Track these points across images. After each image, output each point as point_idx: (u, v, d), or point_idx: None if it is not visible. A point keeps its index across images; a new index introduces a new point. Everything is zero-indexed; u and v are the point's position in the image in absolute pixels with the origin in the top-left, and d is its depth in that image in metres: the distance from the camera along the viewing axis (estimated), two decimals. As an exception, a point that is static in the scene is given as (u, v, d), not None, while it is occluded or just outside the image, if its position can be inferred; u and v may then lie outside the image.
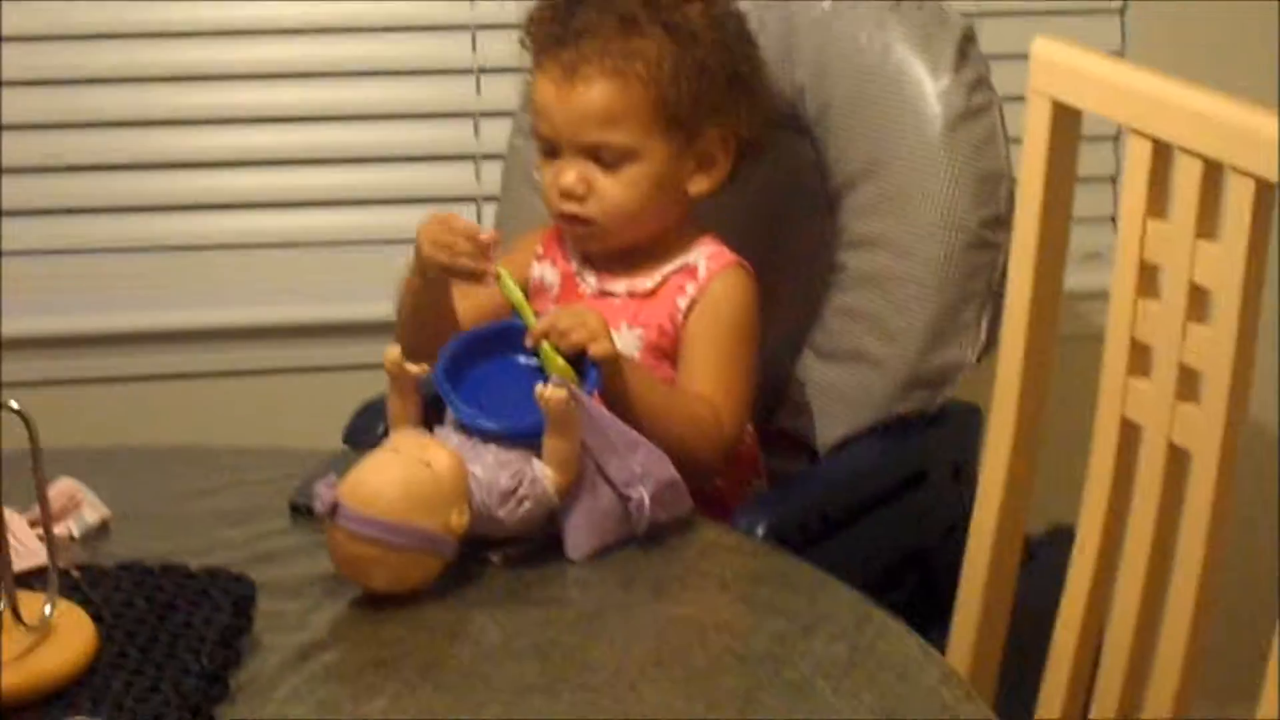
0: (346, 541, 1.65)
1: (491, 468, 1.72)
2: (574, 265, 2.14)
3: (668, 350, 2.07)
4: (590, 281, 2.12)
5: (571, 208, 2.06)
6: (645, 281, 2.09)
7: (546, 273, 2.15)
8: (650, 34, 2.05)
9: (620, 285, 2.10)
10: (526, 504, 1.72)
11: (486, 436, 1.76)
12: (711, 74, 2.06)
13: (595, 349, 1.85)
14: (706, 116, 2.07)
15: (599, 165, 2.05)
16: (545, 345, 1.84)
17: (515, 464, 1.73)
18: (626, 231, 2.08)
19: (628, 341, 2.05)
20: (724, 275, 2.08)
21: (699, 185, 2.10)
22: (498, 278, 1.90)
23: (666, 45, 2.05)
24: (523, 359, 1.86)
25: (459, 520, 1.67)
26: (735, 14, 2.15)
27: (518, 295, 1.89)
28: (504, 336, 1.88)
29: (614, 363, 1.88)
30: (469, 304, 2.05)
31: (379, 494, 1.64)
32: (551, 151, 2.07)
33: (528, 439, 1.75)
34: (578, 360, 1.84)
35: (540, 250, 2.17)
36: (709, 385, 2.03)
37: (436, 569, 1.67)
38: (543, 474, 1.73)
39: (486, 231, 1.94)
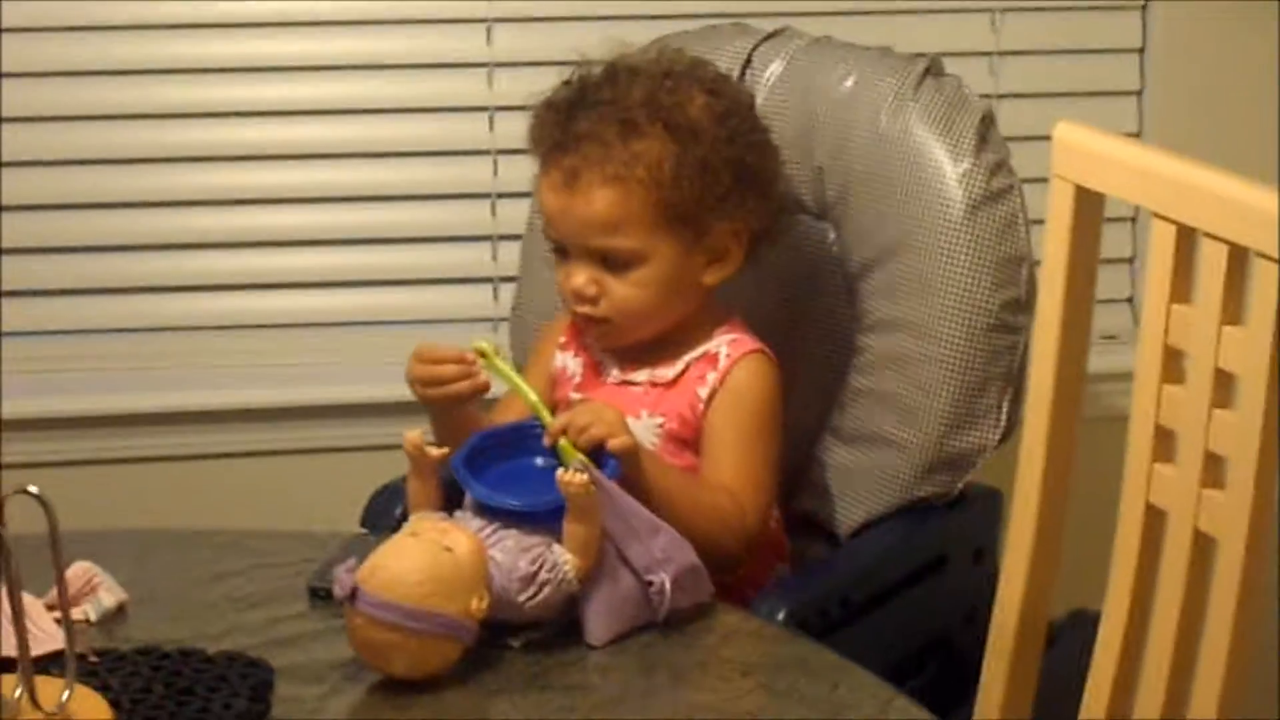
0: (366, 626, 1.63)
1: (512, 552, 1.71)
2: (596, 354, 2.13)
3: (688, 439, 2.06)
4: (612, 371, 2.11)
5: (585, 309, 2.06)
6: (667, 371, 2.09)
7: (569, 361, 2.15)
8: (650, 134, 2.03)
9: (642, 374, 2.09)
10: (547, 589, 1.71)
11: (507, 519, 1.75)
12: (715, 170, 2.05)
13: (614, 443, 1.84)
14: (713, 212, 2.05)
15: (607, 267, 2.04)
16: (563, 442, 1.83)
17: (536, 549, 1.72)
18: (642, 328, 2.07)
19: (646, 429, 2.05)
20: (745, 363, 2.07)
21: (713, 276, 2.09)
22: (514, 385, 1.90)
23: (667, 146, 2.03)
24: (540, 460, 1.86)
25: (479, 605, 1.66)
26: (742, 104, 2.14)
27: (532, 398, 1.88)
28: (521, 436, 1.88)
29: (633, 456, 1.87)
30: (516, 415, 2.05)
31: (399, 579, 1.63)
32: (562, 253, 2.07)
33: (547, 520, 1.74)
34: (596, 455, 1.83)
35: (563, 339, 2.17)
36: (732, 476, 2.02)
37: (456, 654, 1.66)
38: (563, 559, 1.72)
39: (465, 350, 1.95)
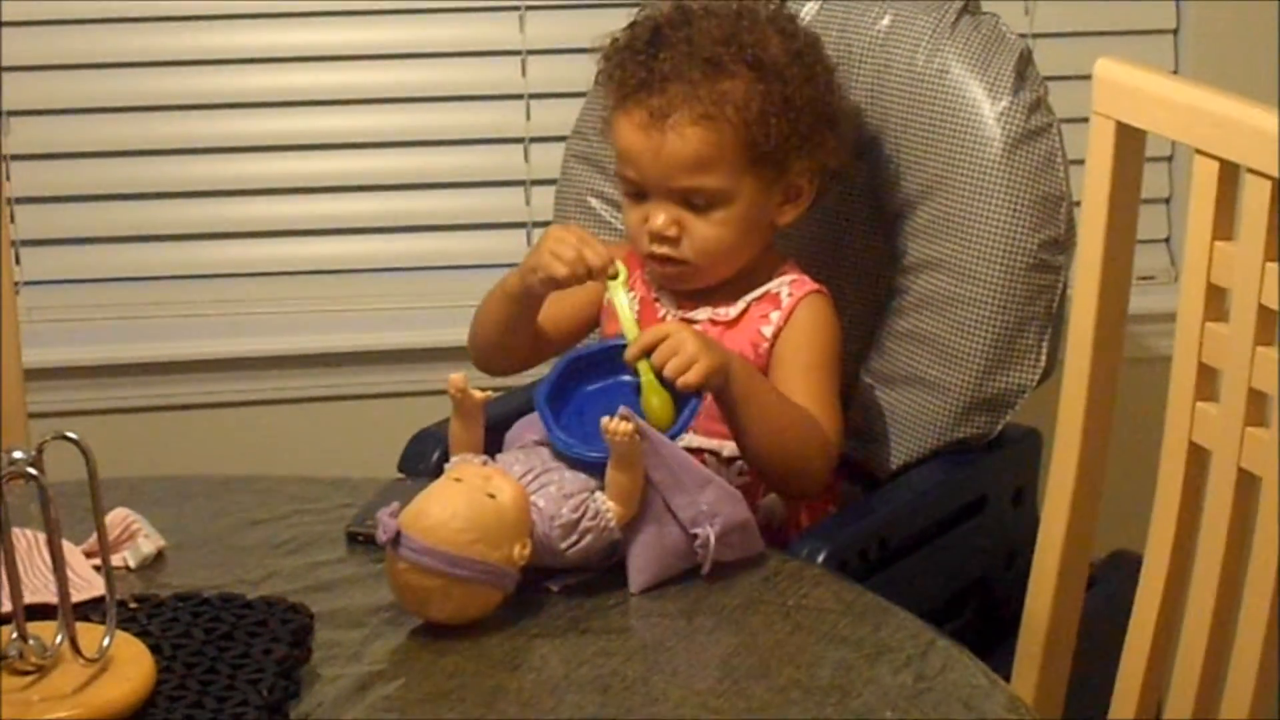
0: (407, 572, 1.63)
1: (555, 499, 1.70)
2: (653, 290, 2.12)
3: None
4: (670, 308, 2.10)
5: (665, 250, 2.05)
6: (728, 310, 2.08)
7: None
8: (736, 74, 2.02)
9: (701, 313, 2.09)
10: (589, 536, 1.70)
11: (553, 460, 1.74)
12: (798, 109, 2.04)
13: (683, 380, 1.84)
14: (795, 150, 2.05)
15: (689, 208, 2.03)
16: (644, 364, 1.83)
17: (579, 496, 1.71)
18: (718, 270, 2.07)
19: None
20: (808, 302, 2.07)
21: (786, 216, 2.09)
22: (624, 319, 1.90)
23: (753, 85, 2.03)
24: (628, 377, 1.85)
25: (522, 553, 1.65)
26: (813, 43, 2.13)
27: (634, 334, 1.87)
28: (612, 356, 1.86)
29: (717, 378, 1.86)
30: (559, 307, 2.06)
31: (442, 525, 1.62)
32: (639, 195, 2.06)
33: (594, 466, 1.73)
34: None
35: (620, 270, 2.16)
36: (806, 404, 2.02)
37: (497, 601, 1.66)
38: (605, 506, 1.71)
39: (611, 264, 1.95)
